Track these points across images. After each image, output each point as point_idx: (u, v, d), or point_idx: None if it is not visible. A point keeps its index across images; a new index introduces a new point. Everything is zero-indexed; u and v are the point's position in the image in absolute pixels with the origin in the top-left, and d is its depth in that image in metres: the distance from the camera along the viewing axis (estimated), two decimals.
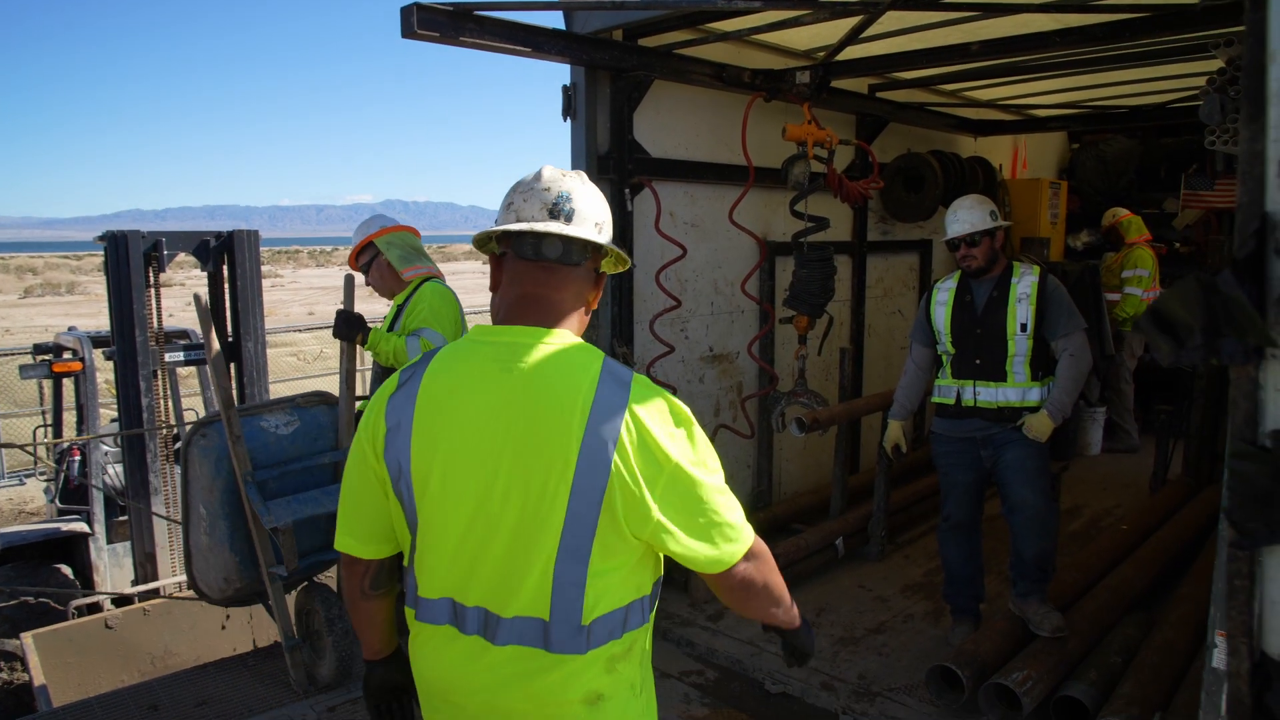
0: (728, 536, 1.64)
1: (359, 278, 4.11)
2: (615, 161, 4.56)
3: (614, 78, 4.53)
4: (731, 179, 5.14)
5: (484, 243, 1.75)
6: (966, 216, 3.93)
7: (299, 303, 32.33)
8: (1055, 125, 7.51)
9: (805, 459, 5.97)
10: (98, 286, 39.90)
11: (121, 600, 5.74)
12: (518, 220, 1.67)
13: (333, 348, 15.67)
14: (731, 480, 4.59)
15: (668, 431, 1.58)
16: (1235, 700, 1.03)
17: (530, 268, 1.68)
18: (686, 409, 1.65)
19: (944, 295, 4.05)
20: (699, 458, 1.62)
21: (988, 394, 3.92)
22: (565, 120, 4.52)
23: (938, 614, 4.46)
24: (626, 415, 1.55)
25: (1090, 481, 6.68)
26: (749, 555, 1.69)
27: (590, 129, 4.47)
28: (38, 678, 4.62)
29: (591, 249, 1.71)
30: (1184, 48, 4.83)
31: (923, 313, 4.14)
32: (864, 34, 4.73)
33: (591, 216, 1.71)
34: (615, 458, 1.53)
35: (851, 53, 5.02)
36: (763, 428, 5.51)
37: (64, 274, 49.65)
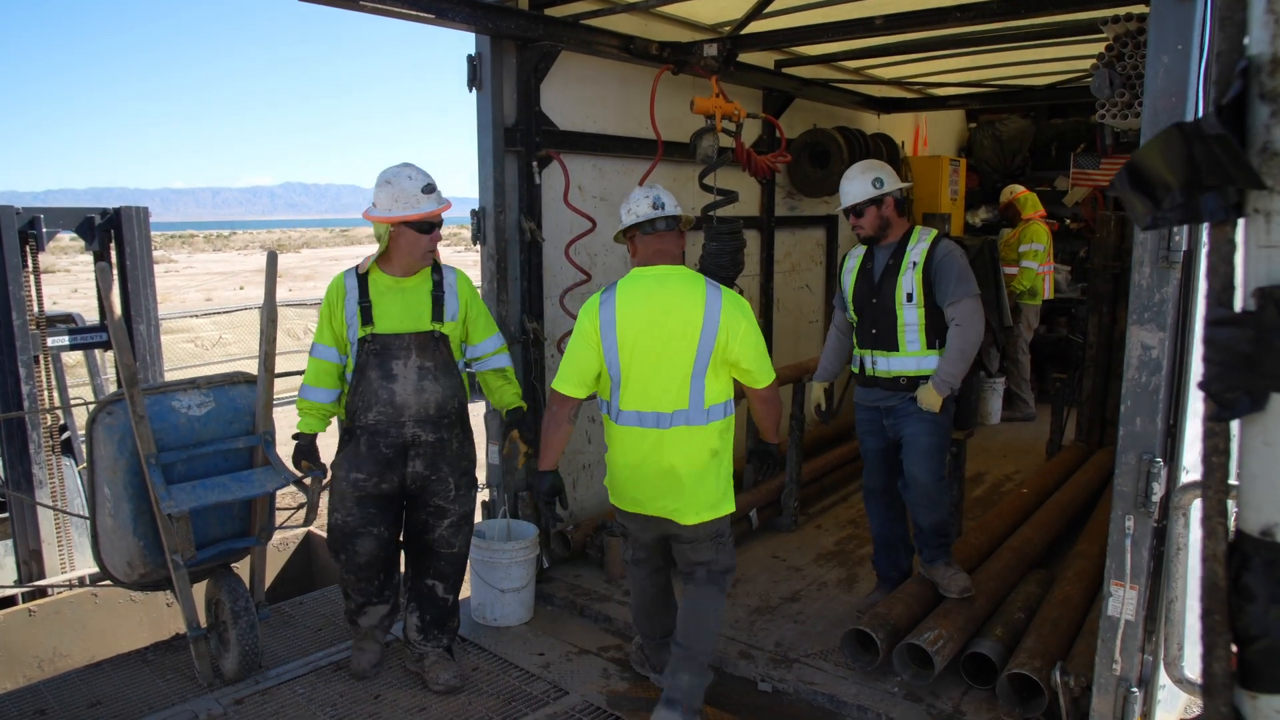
0: (766, 370, 3.23)
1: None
2: (522, 134, 4.48)
3: (520, 48, 4.44)
4: (640, 152, 5.11)
5: (622, 234, 3.37)
6: (848, 189, 3.91)
7: (195, 288, 31.01)
8: (954, 103, 7.71)
9: None
10: None
11: (5, 601, 5.41)
12: (638, 217, 3.26)
13: (231, 334, 15.09)
14: None
15: (741, 310, 3.17)
16: (1211, 584, 1.05)
17: (653, 237, 3.25)
18: (746, 301, 3.28)
19: (851, 263, 4.09)
20: (754, 326, 3.19)
21: (884, 363, 3.91)
22: (471, 91, 4.40)
23: (850, 581, 4.55)
24: (721, 303, 3.11)
25: (991, 449, 6.92)
26: (774, 384, 3.29)
27: (496, 100, 4.37)
28: None
29: (678, 218, 3.29)
30: (1075, 27, 5.00)
31: (839, 279, 4.20)
32: (769, 8, 4.77)
33: (673, 200, 3.31)
34: (719, 323, 3.09)
35: (758, 27, 5.06)
36: None
37: None
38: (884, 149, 6.79)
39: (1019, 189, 7.78)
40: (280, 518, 4.39)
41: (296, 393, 3.68)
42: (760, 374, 3.19)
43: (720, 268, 4.79)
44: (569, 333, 4.68)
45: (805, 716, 3.49)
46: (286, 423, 3.82)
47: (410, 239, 3.40)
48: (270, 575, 6.03)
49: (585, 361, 3.18)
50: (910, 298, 3.80)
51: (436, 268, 3.57)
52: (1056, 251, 8.03)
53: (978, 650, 3.49)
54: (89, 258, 5.79)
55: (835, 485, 5.85)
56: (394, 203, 3.36)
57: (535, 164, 4.54)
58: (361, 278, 3.47)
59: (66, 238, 5.75)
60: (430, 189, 3.40)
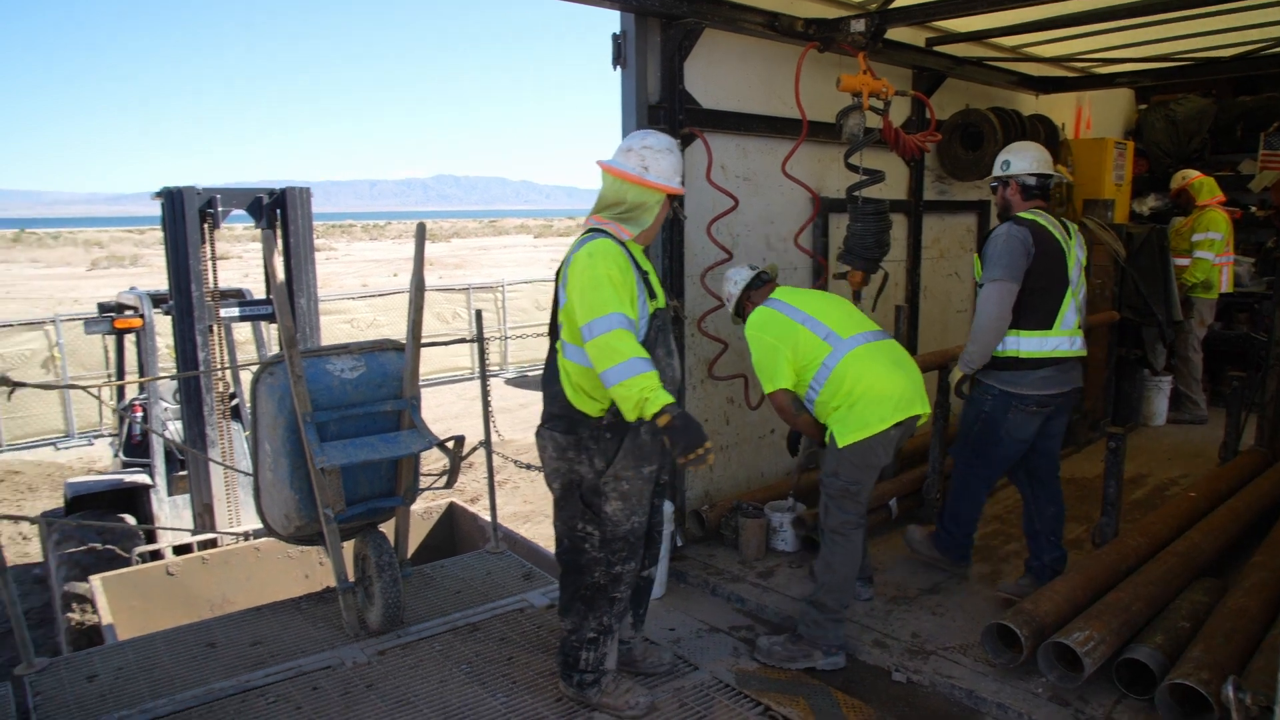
0: None
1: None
2: (666, 112, 4.48)
3: (664, 25, 4.44)
4: (784, 132, 5.03)
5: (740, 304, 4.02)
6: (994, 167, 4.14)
7: (352, 274, 32.78)
8: (1122, 81, 7.22)
9: None
10: (158, 258, 40.94)
11: (181, 549, 5.88)
12: (746, 279, 3.99)
13: (385, 315, 15.84)
14: (780, 439, 4.51)
15: None
16: None
17: (765, 287, 4.01)
18: None
19: None
20: None
21: None
22: (615, 69, 4.46)
23: (994, 576, 4.35)
24: None
25: (1155, 452, 6.48)
26: None
27: (641, 78, 4.40)
28: (105, 617, 4.75)
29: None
30: None
31: None
32: None
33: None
34: None
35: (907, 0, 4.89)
36: None
37: (128, 246, 51.00)
38: (1041, 131, 6.44)
39: (1193, 174, 7.23)
40: (423, 482, 4.56)
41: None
42: None
43: (864, 249, 4.67)
44: (710, 310, 4.69)
45: (940, 710, 3.37)
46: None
47: (665, 213, 3.19)
48: (414, 542, 6.31)
49: (788, 359, 3.68)
50: (977, 281, 4.03)
51: None
52: (1238, 241, 7.42)
53: (1134, 656, 3.26)
54: (259, 245, 6.18)
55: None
56: (675, 174, 3.13)
57: (678, 142, 4.53)
58: (622, 244, 3.08)
59: (240, 227, 6.16)
60: (677, 167, 3.19)
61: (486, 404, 4.77)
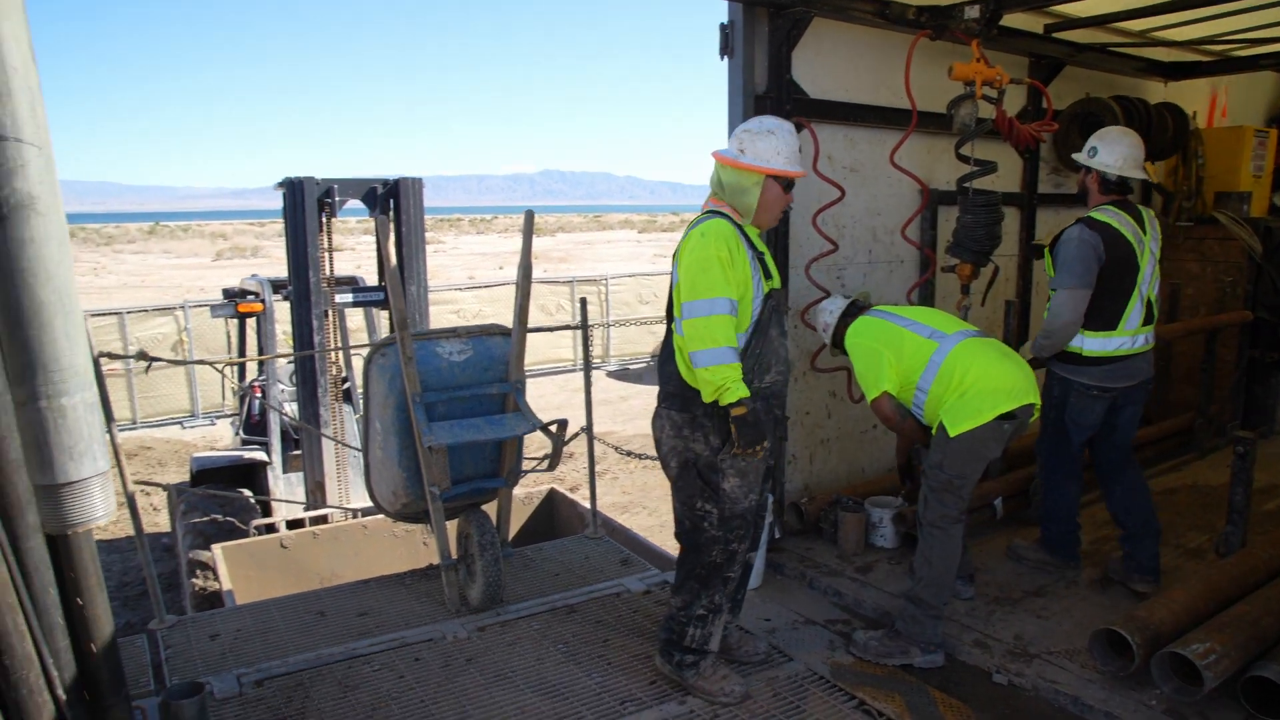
0: None
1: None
2: (773, 101, 4.45)
3: (772, 15, 4.41)
4: (893, 122, 4.93)
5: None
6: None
7: (460, 267, 33.63)
8: (1266, 64, 6.76)
9: None
10: (277, 249, 42.93)
11: (294, 524, 6.16)
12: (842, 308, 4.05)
13: (493, 308, 16.21)
14: (885, 436, 4.49)
15: None
16: None
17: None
18: None
19: None
20: None
21: None
22: (722, 59, 4.45)
23: (1105, 583, 4.18)
24: None
25: None
26: None
27: (748, 68, 4.38)
28: (225, 583, 5.04)
29: None
30: None
31: None
32: None
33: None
34: None
35: None
36: None
37: (249, 239, 53.60)
38: (1169, 120, 6.11)
39: None
40: (526, 465, 4.66)
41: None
42: None
43: (974, 241, 4.55)
44: (814, 302, 4.64)
45: (1043, 715, 3.26)
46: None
47: (775, 195, 3.13)
48: (514, 526, 6.45)
49: (891, 363, 3.68)
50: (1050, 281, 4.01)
51: None
52: None
53: (1263, 674, 3.08)
54: (371, 238, 6.43)
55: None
56: (775, 154, 3.08)
57: (788, 124, 4.49)
58: (737, 225, 3.11)
59: (353, 221, 6.41)
60: (792, 151, 3.14)
61: (589, 390, 4.84)
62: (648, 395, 13.46)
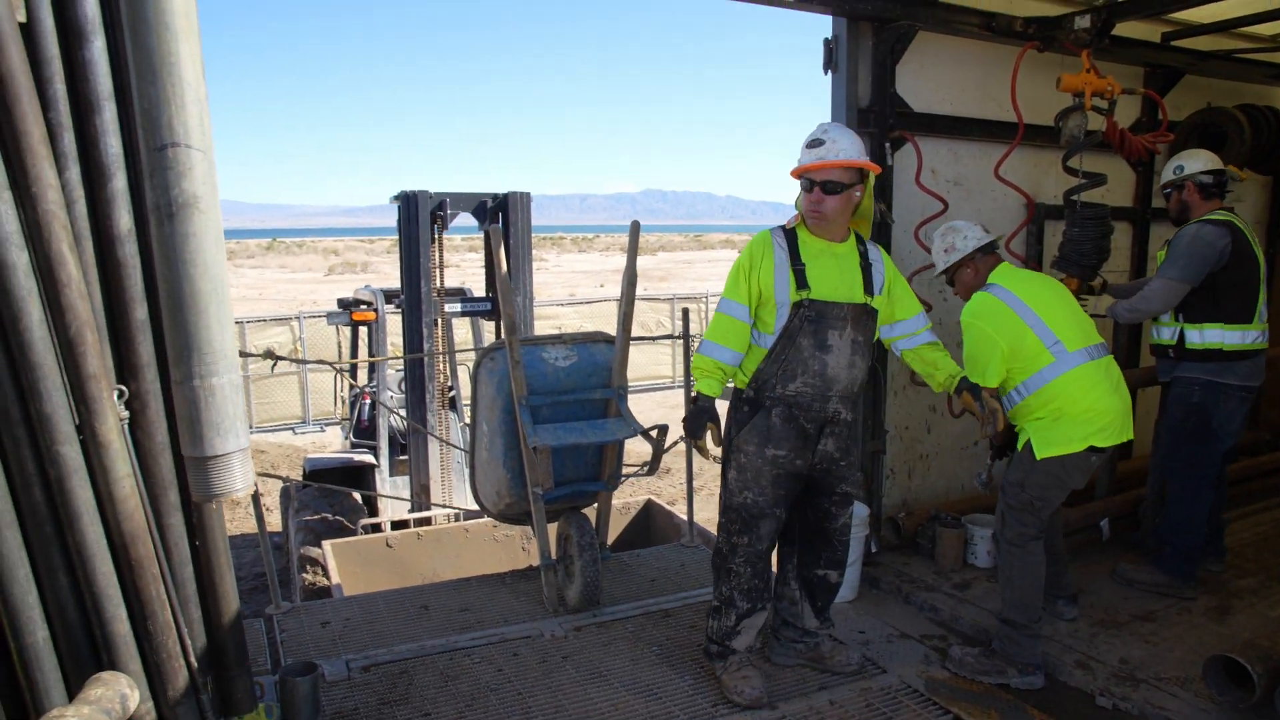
0: None
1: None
2: (876, 115, 4.47)
3: (877, 29, 4.43)
4: (999, 135, 4.87)
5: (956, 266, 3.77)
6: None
7: (561, 284, 34.26)
8: None
9: None
10: (385, 264, 44.51)
11: (398, 525, 6.41)
12: (980, 240, 3.79)
13: (593, 323, 16.49)
14: (987, 452, 4.40)
15: None
16: None
17: (993, 256, 3.82)
18: None
19: None
20: None
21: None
22: (826, 74, 4.50)
23: (1222, 611, 4.01)
24: None
25: None
26: None
27: (851, 82, 4.42)
28: (334, 577, 5.28)
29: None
30: None
31: None
32: None
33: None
34: None
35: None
36: None
37: (360, 255, 55.72)
38: None
39: None
40: (625, 472, 4.75)
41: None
42: None
43: (1081, 255, 4.45)
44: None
45: None
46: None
47: (801, 195, 3.21)
48: (611, 534, 6.56)
49: (1003, 356, 3.49)
50: None
51: (860, 239, 3.35)
52: None
53: None
54: (477, 255, 6.68)
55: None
56: (810, 157, 3.14)
57: (888, 145, 4.51)
58: (790, 234, 3.22)
59: (459, 238, 6.68)
60: (814, 144, 3.13)
61: (688, 396, 4.90)
62: None
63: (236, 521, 9.24)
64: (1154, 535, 4.32)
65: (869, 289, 3.26)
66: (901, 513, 4.71)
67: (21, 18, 2.41)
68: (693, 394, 3.29)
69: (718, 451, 3.37)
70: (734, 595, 3.36)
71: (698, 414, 3.25)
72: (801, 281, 3.15)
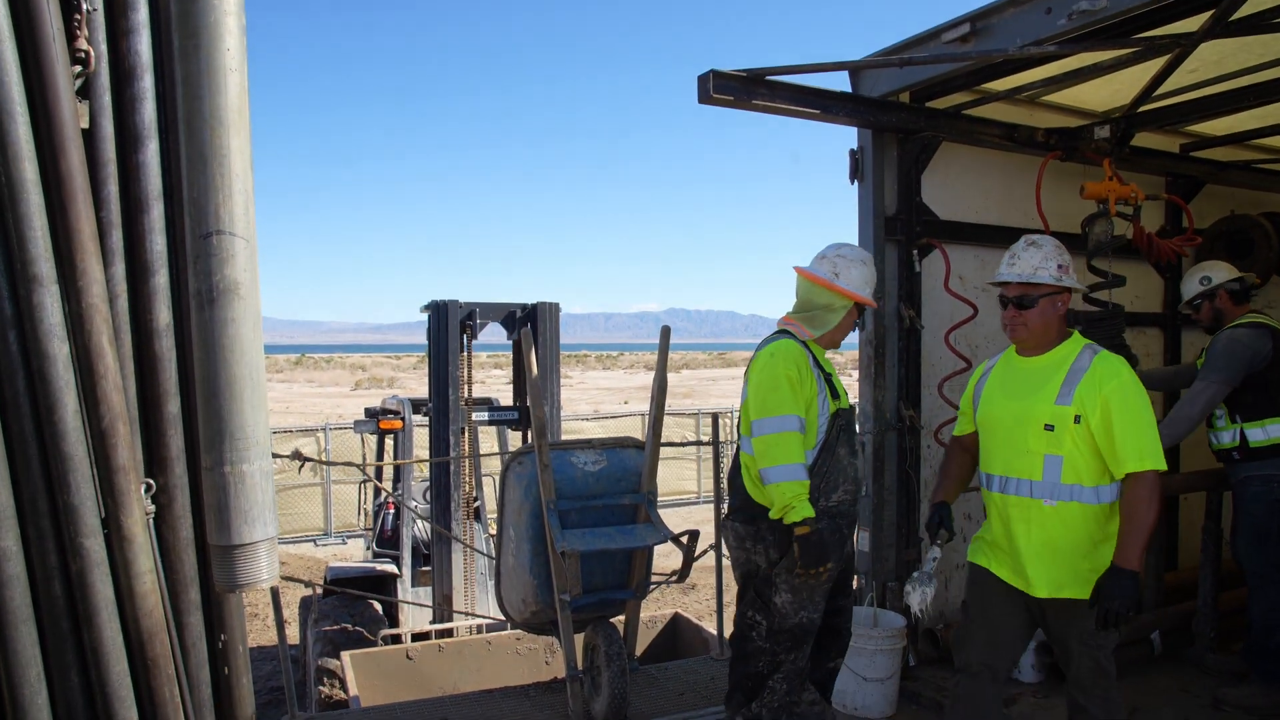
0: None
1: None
2: (903, 223, 4.53)
3: (901, 140, 4.53)
4: None
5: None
6: (1183, 287, 4.44)
7: (585, 401, 34.40)
8: None
9: None
10: (412, 380, 44.97)
11: (419, 637, 6.24)
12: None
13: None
14: None
15: None
16: None
17: None
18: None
19: None
20: None
21: None
22: (853, 183, 4.58)
23: None
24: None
25: None
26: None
27: (878, 191, 4.48)
28: (352, 689, 5.11)
29: None
30: None
31: None
32: (1163, 89, 4.41)
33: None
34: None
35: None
36: None
37: (386, 370, 56.49)
38: None
39: None
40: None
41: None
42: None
43: None
44: (946, 422, 4.55)
45: None
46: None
47: (851, 321, 3.29)
48: (639, 648, 6.35)
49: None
50: None
51: None
52: None
53: None
54: (502, 371, 6.75)
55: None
56: (865, 285, 3.25)
57: (915, 252, 4.55)
58: (805, 345, 3.20)
59: (483, 355, 6.76)
60: (869, 279, 3.31)
61: (718, 506, 4.81)
62: None
63: (253, 634, 9.04)
64: (1246, 655, 4.07)
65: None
66: (940, 624, 4.53)
67: (84, 123, 2.53)
68: (795, 528, 2.98)
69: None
70: (762, 713, 3.21)
71: (816, 543, 2.99)
72: (834, 391, 3.21)
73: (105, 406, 2.42)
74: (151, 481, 2.59)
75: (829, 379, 3.21)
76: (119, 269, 2.55)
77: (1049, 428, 2.86)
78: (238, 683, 2.79)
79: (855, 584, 4.37)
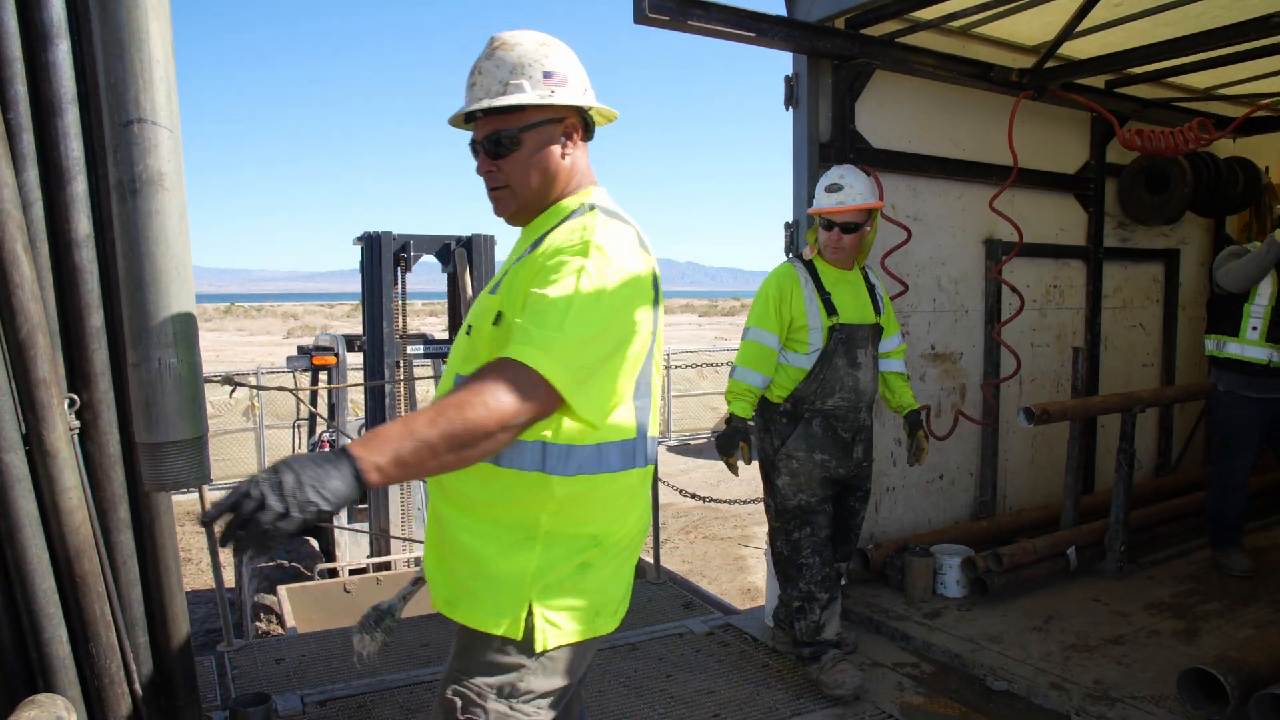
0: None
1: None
2: (836, 150, 4.55)
3: (835, 67, 4.55)
4: (955, 174, 5.01)
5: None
6: None
7: None
8: None
9: (1033, 474, 5.60)
10: (346, 327, 44.17)
11: (357, 570, 6.23)
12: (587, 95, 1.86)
13: None
14: (951, 485, 4.47)
15: None
16: None
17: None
18: None
19: None
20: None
21: None
22: (787, 110, 4.59)
23: (1191, 634, 4.00)
24: None
25: None
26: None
27: (812, 117, 4.49)
28: (290, 621, 5.09)
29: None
30: None
31: None
32: (1088, 24, 4.50)
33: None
34: None
35: (1084, 47, 4.84)
36: (987, 433, 5.24)
37: (319, 318, 55.32)
38: (1240, 175, 6.06)
39: None
40: None
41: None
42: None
43: None
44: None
45: None
46: None
47: (820, 233, 3.60)
48: None
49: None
50: None
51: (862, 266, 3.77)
52: None
53: None
54: (438, 318, 6.67)
55: (1172, 538, 5.20)
56: (824, 198, 3.59)
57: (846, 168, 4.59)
58: (809, 266, 3.61)
59: (419, 303, 6.63)
60: (833, 188, 3.56)
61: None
62: (708, 469, 13.39)
63: (188, 579, 8.92)
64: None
65: (877, 309, 3.69)
66: (869, 545, 4.68)
67: None
68: (724, 415, 3.55)
69: (744, 468, 3.62)
70: (812, 590, 3.55)
71: (732, 434, 3.51)
72: (831, 308, 3.53)
73: (22, 317, 2.33)
74: (75, 397, 2.52)
75: (828, 297, 3.53)
76: (31, 174, 2.44)
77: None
78: (171, 600, 2.76)
79: None
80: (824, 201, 3.57)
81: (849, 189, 3.53)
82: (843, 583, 3.88)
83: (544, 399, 1.48)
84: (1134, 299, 6.16)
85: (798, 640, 3.61)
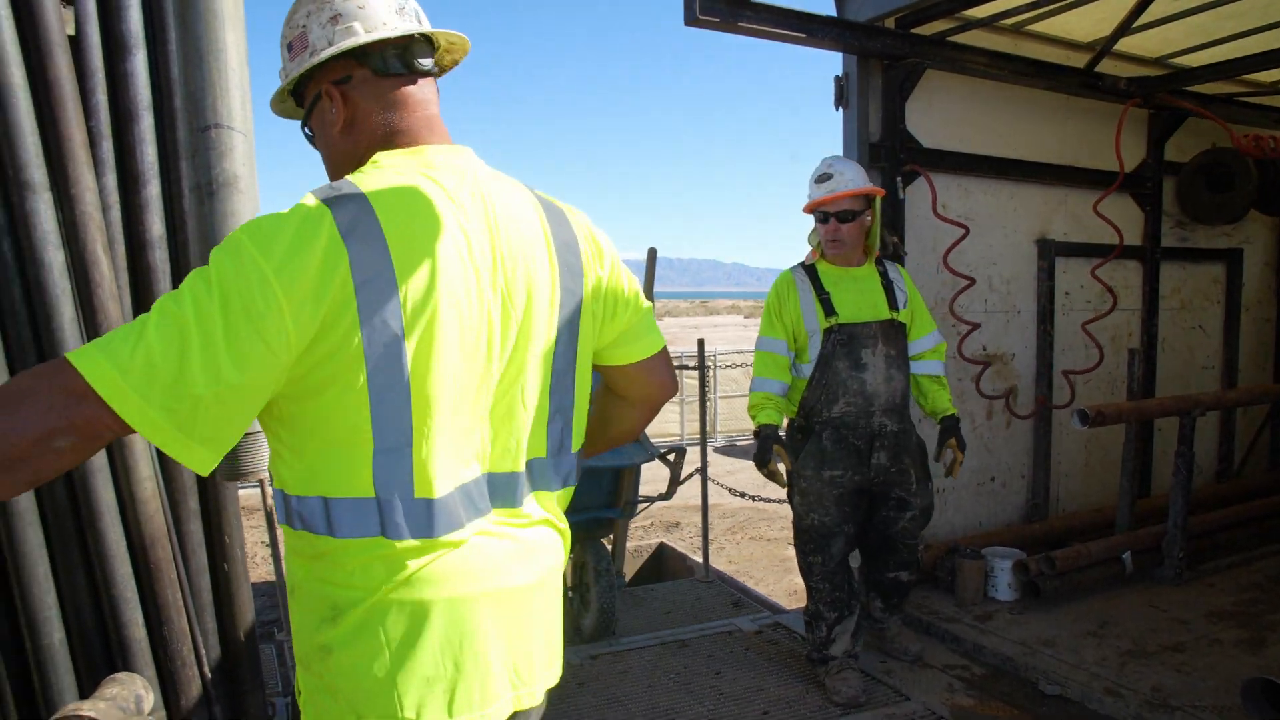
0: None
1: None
2: (886, 150, 4.54)
3: (886, 67, 4.54)
4: (1007, 174, 4.96)
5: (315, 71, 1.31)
6: None
7: None
8: None
9: (1087, 477, 5.52)
10: None
11: None
12: (368, 31, 1.27)
13: None
14: (1003, 489, 4.43)
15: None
16: None
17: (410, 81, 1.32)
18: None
19: None
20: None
21: None
22: (837, 110, 4.59)
23: (1256, 644, 3.91)
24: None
25: None
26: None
27: (862, 117, 4.50)
28: None
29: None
30: None
31: None
32: (1144, 19, 4.44)
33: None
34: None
35: (1140, 44, 4.77)
36: (1040, 435, 5.18)
37: None
38: None
39: None
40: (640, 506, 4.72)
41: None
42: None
43: None
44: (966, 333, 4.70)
45: None
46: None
47: (819, 229, 3.47)
48: (626, 572, 6.48)
49: None
50: None
51: (879, 260, 3.56)
52: None
53: None
54: None
55: (1235, 545, 5.08)
56: (817, 192, 3.44)
57: (899, 179, 4.58)
58: (810, 270, 3.49)
59: None
60: (823, 178, 3.41)
61: (704, 428, 4.90)
62: (754, 471, 13.34)
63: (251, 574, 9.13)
64: None
65: (893, 304, 3.48)
66: (920, 546, 4.65)
67: (70, 31, 2.51)
68: (754, 429, 3.44)
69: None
70: (820, 609, 3.53)
71: (764, 442, 3.40)
72: (829, 309, 3.40)
73: (102, 314, 2.45)
74: None
75: (827, 297, 3.40)
76: (110, 179, 2.56)
77: None
78: (237, 588, 2.86)
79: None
80: (815, 193, 3.43)
81: (839, 176, 3.38)
82: (897, 598, 3.79)
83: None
84: (1193, 300, 6.03)
85: (809, 644, 3.65)
